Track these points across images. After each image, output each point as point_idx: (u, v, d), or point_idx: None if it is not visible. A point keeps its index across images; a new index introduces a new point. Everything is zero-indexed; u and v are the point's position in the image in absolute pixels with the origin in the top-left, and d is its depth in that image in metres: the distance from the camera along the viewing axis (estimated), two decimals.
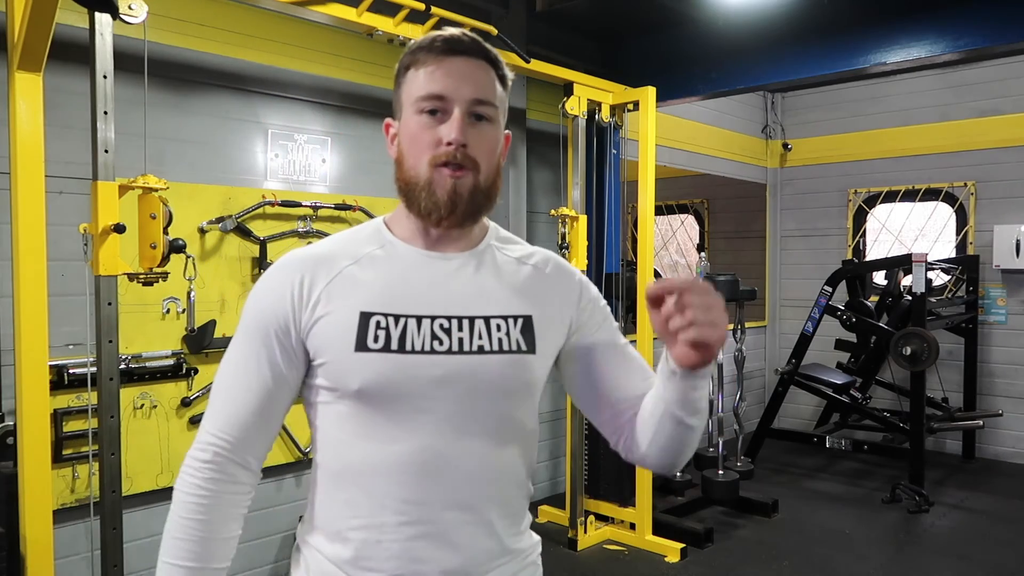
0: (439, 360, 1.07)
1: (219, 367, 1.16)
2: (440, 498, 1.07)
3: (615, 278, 4.52)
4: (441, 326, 1.08)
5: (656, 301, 1.00)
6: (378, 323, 1.06)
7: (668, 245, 7.86)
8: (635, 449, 1.17)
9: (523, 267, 1.18)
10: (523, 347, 1.11)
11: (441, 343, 1.07)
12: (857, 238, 6.55)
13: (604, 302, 1.26)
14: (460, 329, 1.08)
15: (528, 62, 3.81)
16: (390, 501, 1.06)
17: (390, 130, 1.16)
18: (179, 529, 1.13)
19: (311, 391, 1.14)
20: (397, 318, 1.07)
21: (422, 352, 1.06)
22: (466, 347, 1.08)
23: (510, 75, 1.17)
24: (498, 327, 1.11)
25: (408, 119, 1.10)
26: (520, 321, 1.12)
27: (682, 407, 1.11)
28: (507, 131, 1.18)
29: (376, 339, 1.06)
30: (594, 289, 1.25)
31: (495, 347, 1.10)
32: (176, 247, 2.38)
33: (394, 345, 1.06)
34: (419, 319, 1.07)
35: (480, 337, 1.09)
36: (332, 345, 1.07)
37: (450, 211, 1.08)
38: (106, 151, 2.24)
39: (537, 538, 1.22)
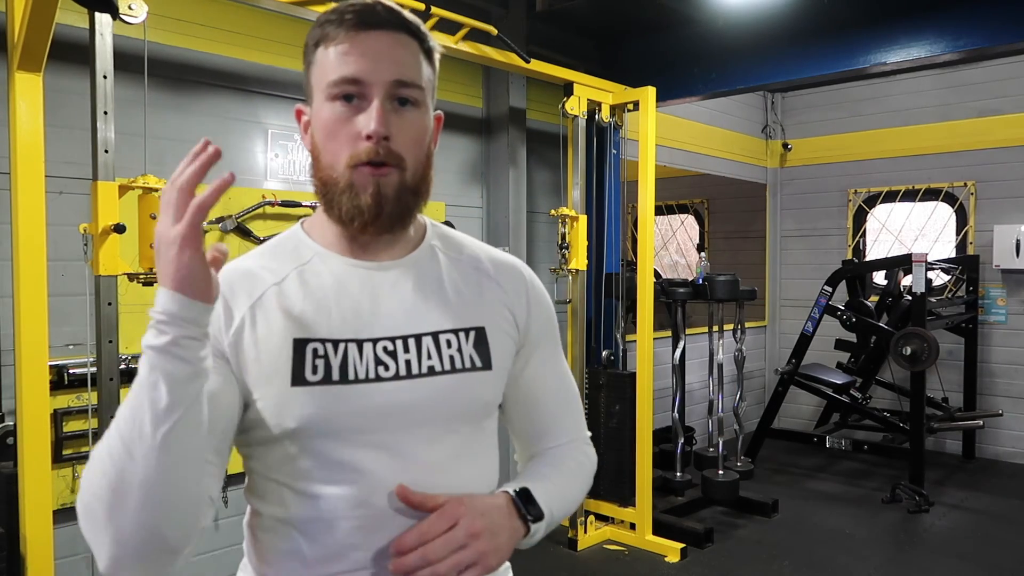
0: (386, 388, 0.94)
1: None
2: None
3: (615, 278, 4.52)
4: (385, 348, 0.95)
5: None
6: (315, 351, 0.92)
7: (668, 245, 7.86)
8: None
9: (470, 270, 1.05)
10: (478, 363, 1.00)
11: (387, 368, 0.94)
12: (857, 238, 6.55)
13: (553, 313, 1.14)
14: (407, 350, 0.96)
15: (528, 62, 3.81)
16: (339, 548, 0.93)
17: (302, 118, 1.00)
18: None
19: (246, 437, 0.96)
20: (336, 344, 0.93)
21: (366, 380, 0.93)
22: (414, 370, 0.95)
23: (437, 48, 1.00)
24: (448, 343, 0.98)
25: (320, 108, 0.94)
26: (472, 334, 1.00)
27: None
28: (438, 112, 1.02)
29: (315, 370, 0.92)
30: (544, 294, 1.12)
31: (447, 366, 0.97)
32: None
33: (335, 375, 0.92)
34: (360, 343, 0.94)
35: (429, 357, 0.97)
36: (263, 379, 0.92)
37: (375, 216, 0.94)
38: (106, 151, 2.24)
39: (507, 565, 1.10)
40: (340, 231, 0.99)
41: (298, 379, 0.92)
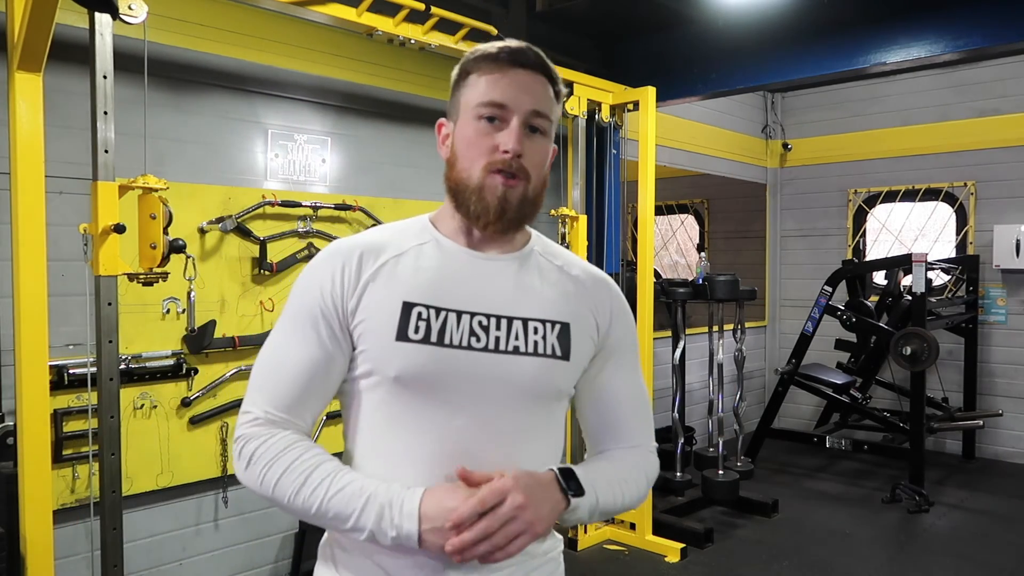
0: (474, 357, 1.08)
1: (261, 352, 1.15)
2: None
3: (615, 278, 4.51)
4: (480, 323, 1.10)
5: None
6: (419, 314, 1.09)
7: (668, 245, 7.86)
8: None
9: (564, 276, 1.20)
10: (558, 353, 1.13)
11: (478, 340, 1.09)
12: (857, 238, 6.55)
13: (634, 327, 1.29)
14: (498, 328, 1.10)
15: None
16: (416, 482, 1.07)
17: (442, 130, 1.19)
18: (290, 475, 1.07)
19: (350, 382, 1.14)
20: (438, 311, 1.09)
21: (459, 347, 1.08)
22: (502, 346, 1.10)
23: (564, 92, 1.22)
24: (535, 330, 1.12)
25: (466, 123, 1.12)
26: (558, 327, 1.14)
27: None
28: (554, 145, 1.21)
29: (417, 330, 1.08)
30: (627, 309, 1.27)
31: (530, 349, 1.11)
32: (176, 247, 2.38)
33: (433, 337, 1.08)
34: (459, 314, 1.10)
35: (516, 338, 1.11)
36: (374, 332, 1.09)
37: (498, 217, 1.11)
38: (106, 151, 2.24)
39: (559, 537, 1.23)
40: (459, 225, 1.16)
41: (402, 335, 1.08)
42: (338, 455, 1.15)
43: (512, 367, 1.10)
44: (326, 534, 1.22)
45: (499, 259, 1.16)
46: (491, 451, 1.09)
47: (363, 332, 1.10)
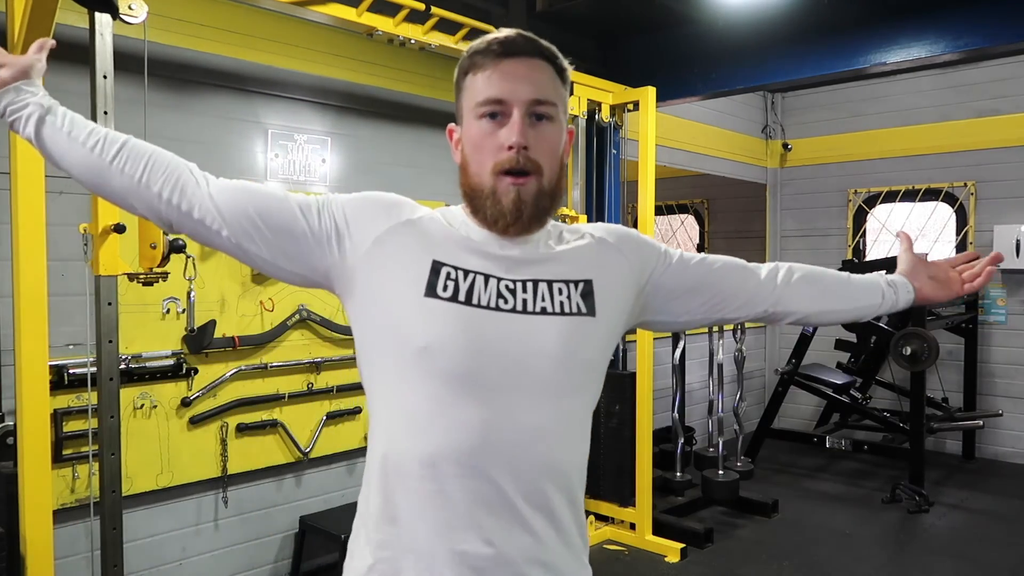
0: (503, 318, 1.07)
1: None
2: (500, 462, 1.06)
3: None
4: (506, 286, 1.09)
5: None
6: (448, 274, 1.08)
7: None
8: (795, 315, 1.34)
9: (582, 240, 1.20)
10: (583, 310, 1.12)
11: (506, 302, 1.08)
12: (857, 238, 6.55)
13: (660, 244, 1.29)
14: (524, 291, 1.10)
15: None
16: (452, 469, 1.05)
17: (453, 135, 1.17)
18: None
19: (371, 353, 1.13)
20: (466, 272, 1.09)
21: (488, 308, 1.07)
22: (529, 307, 1.09)
23: (568, 67, 1.16)
24: (559, 291, 1.12)
25: (469, 125, 1.12)
26: (581, 285, 1.14)
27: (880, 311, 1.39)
28: (570, 127, 1.18)
29: (445, 288, 1.07)
30: (648, 239, 1.28)
31: (556, 309, 1.10)
32: (176, 247, 2.38)
33: (462, 297, 1.07)
34: (486, 277, 1.09)
35: (543, 299, 1.10)
36: (400, 285, 1.08)
37: (516, 219, 1.10)
38: None
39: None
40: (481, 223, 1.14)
41: (431, 291, 1.07)
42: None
43: (541, 327, 1.09)
44: (358, 526, 1.17)
45: (523, 240, 1.15)
46: (528, 419, 1.07)
47: (384, 281, 1.09)
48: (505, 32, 1.12)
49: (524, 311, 1.09)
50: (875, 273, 1.41)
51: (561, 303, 1.11)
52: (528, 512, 1.06)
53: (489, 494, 1.05)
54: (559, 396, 1.10)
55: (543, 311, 1.09)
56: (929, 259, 1.43)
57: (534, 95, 1.09)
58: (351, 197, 1.15)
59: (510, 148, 1.07)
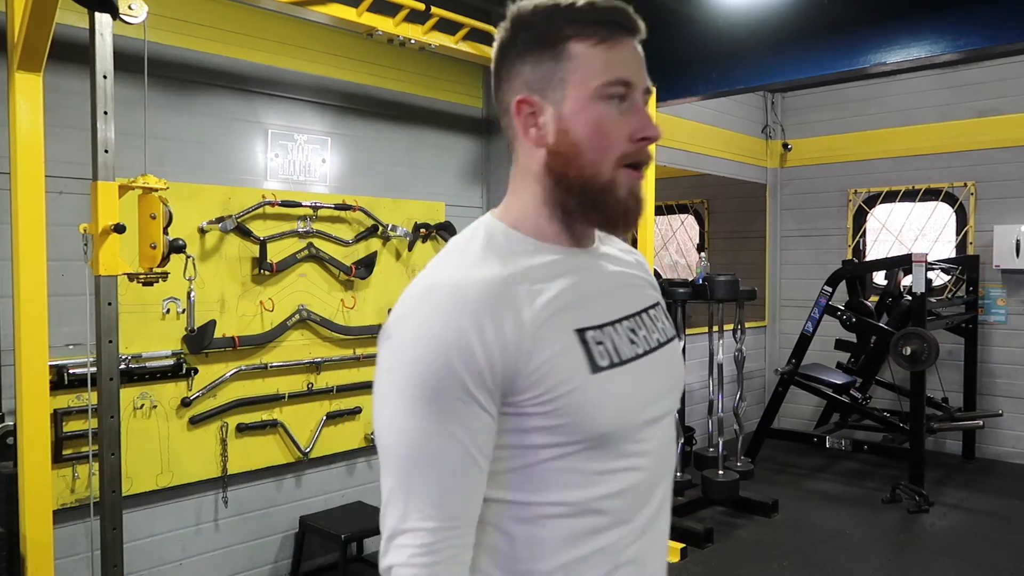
0: (644, 363, 0.97)
1: (386, 447, 0.87)
2: (650, 516, 0.98)
3: None
4: (629, 327, 0.98)
5: None
6: (593, 338, 0.92)
7: (668, 245, 7.86)
8: None
9: (624, 258, 1.08)
10: (672, 332, 1.06)
11: (637, 344, 0.97)
12: (857, 238, 6.54)
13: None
14: (641, 326, 1.00)
15: None
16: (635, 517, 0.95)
17: (528, 108, 0.95)
18: None
19: (533, 445, 0.90)
20: (601, 328, 0.94)
21: (633, 358, 0.95)
22: (651, 343, 1.00)
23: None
24: (653, 317, 1.03)
25: (585, 105, 0.92)
26: (660, 308, 1.07)
27: None
28: None
29: (602, 356, 0.91)
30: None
31: (663, 337, 1.03)
32: (176, 247, 2.38)
33: (615, 358, 0.93)
34: (613, 324, 0.95)
35: (654, 330, 1.02)
36: (561, 375, 0.88)
37: (637, 217, 0.97)
38: (106, 151, 2.24)
39: None
40: (559, 225, 0.97)
41: (596, 367, 0.91)
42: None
43: (667, 358, 1.01)
44: None
45: (595, 252, 1.01)
46: (663, 445, 0.99)
47: (543, 377, 0.87)
48: (612, 2, 0.95)
49: (651, 348, 0.99)
50: None
51: (663, 329, 1.04)
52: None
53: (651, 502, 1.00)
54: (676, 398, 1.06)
55: (658, 343, 1.01)
56: None
57: (647, 83, 0.97)
58: (455, 349, 0.85)
59: (645, 140, 0.94)
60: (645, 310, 1.02)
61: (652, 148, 1.02)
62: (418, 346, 0.85)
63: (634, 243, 5.40)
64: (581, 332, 0.91)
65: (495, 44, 0.98)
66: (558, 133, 0.94)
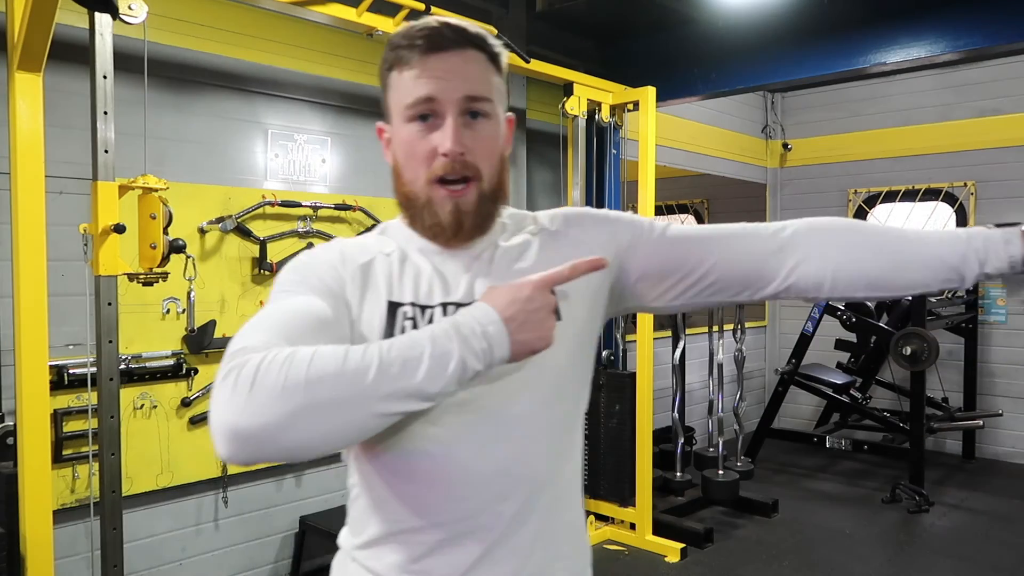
0: None
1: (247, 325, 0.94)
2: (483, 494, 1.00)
3: None
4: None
5: None
6: (405, 314, 1.00)
7: None
8: (837, 288, 1.10)
9: (535, 237, 1.09)
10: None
11: None
12: None
13: (625, 213, 1.16)
14: None
15: (528, 62, 3.81)
16: (431, 500, 1.00)
17: (383, 135, 1.08)
18: (322, 357, 0.82)
19: None
20: (423, 308, 1.01)
21: None
22: None
23: (503, 52, 1.05)
24: None
25: (400, 128, 1.02)
26: None
27: (968, 275, 1.05)
28: (509, 114, 1.08)
29: (403, 331, 0.98)
30: (606, 213, 1.15)
31: None
32: (176, 247, 2.38)
33: None
34: (443, 307, 1.01)
35: None
36: (360, 335, 0.99)
37: (456, 231, 1.02)
38: (106, 151, 2.24)
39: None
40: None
41: (388, 338, 0.95)
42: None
43: None
44: (339, 556, 1.10)
45: (472, 246, 1.06)
46: (503, 444, 1.00)
47: (355, 337, 0.99)
48: (430, 22, 1.01)
49: None
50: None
51: None
52: None
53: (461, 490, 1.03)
54: (531, 387, 1.03)
55: None
56: None
57: (468, 91, 0.98)
58: (305, 263, 1.02)
59: (444, 155, 0.98)
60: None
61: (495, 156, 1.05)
62: (295, 259, 1.03)
63: None
64: (393, 305, 1.00)
65: None
66: (394, 156, 1.05)
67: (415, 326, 0.98)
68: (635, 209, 4.47)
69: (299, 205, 3.47)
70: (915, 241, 1.08)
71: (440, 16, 1.04)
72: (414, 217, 1.04)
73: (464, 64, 1.00)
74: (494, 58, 1.03)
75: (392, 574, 1.01)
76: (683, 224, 1.15)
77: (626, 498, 4.27)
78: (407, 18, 3.27)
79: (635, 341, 4.32)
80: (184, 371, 3.13)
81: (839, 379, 5.58)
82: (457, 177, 1.00)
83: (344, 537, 1.11)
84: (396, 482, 1.01)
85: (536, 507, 1.02)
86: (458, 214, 1.01)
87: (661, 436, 5.04)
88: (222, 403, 0.83)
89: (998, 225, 1.05)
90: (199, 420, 3.19)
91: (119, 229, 2.23)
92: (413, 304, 1.01)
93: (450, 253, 1.06)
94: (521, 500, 1.01)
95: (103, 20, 2.23)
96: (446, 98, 0.98)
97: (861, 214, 6.52)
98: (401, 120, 1.01)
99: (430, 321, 0.99)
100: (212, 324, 3.17)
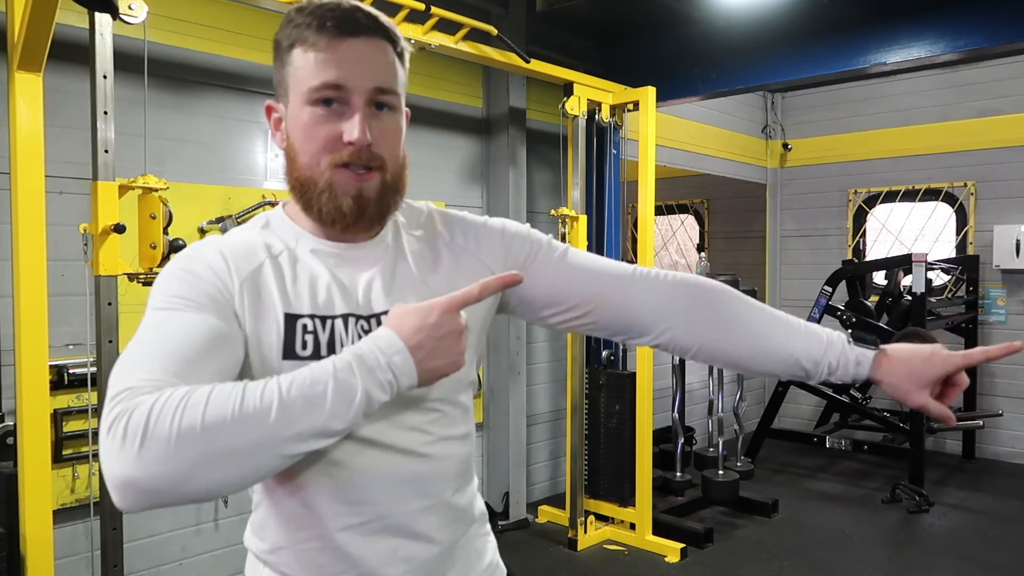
0: None
1: (136, 335, 0.90)
2: (383, 502, 0.99)
3: None
4: (362, 327, 0.98)
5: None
6: (305, 327, 0.95)
7: (668, 245, 7.86)
8: (702, 352, 1.14)
9: (430, 241, 1.08)
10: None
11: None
12: (857, 238, 6.55)
13: (521, 227, 1.15)
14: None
15: (528, 62, 3.81)
16: (334, 505, 0.98)
17: (272, 114, 1.04)
18: (217, 400, 0.77)
19: None
20: (324, 320, 0.96)
21: None
22: None
23: (408, 48, 1.04)
24: None
25: (299, 110, 0.97)
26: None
27: (815, 378, 1.13)
28: (407, 109, 1.07)
29: (304, 345, 0.95)
30: (500, 222, 1.14)
31: None
32: (176, 247, 2.38)
33: (323, 351, 0.95)
34: (344, 318, 0.97)
35: None
36: (256, 350, 0.94)
37: (357, 217, 0.97)
38: (106, 151, 2.24)
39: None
40: (314, 220, 1.01)
41: (289, 353, 0.94)
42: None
43: None
44: (250, 560, 1.08)
45: (366, 247, 1.03)
46: (405, 459, 0.99)
47: (248, 349, 0.94)
48: (344, 4, 0.96)
49: None
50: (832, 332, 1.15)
51: None
52: None
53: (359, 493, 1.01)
54: (433, 401, 1.03)
55: None
56: (936, 356, 1.15)
57: (377, 83, 0.96)
58: (186, 271, 0.94)
59: (349, 144, 0.95)
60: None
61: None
62: (176, 262, 0.96)
63: (633, 242, 5.40)
64: (291, 318, 0.95)
65: None
66: (286, 137, 1.01)
67: (316, 340, 0.95)
68: (635, 209, 4.47)
69: None
70: (779, 336, 1.14)
71: None
72: (309, 204, 0.98)
73: (374, 53, 0.97)
74: (400, 54, 1.02)
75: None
76: (581, 252, 1.16)
77: (626, 498, 4.26)
78: (407, 18, 3.27)
79: None
80: None
81: None
82: (364, 165, 0.97)
83: None
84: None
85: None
86: (360, 200, 0.97)
87: (661, 436, 5.04)
88: (112, 455, 0.75)
89: (857, 339, 1.13)
90: None
91: (119, 229, 2.23)
92: (312, 316, 0.96)
93: (344, 255, 1.01)
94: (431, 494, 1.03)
95: (103, 20, 2.23)
96: (355, 86, 0.95)
97: (861, 214, 6.52)
98: (301, 101, 0.97)
99: (331, 333, 0.96)
100: None
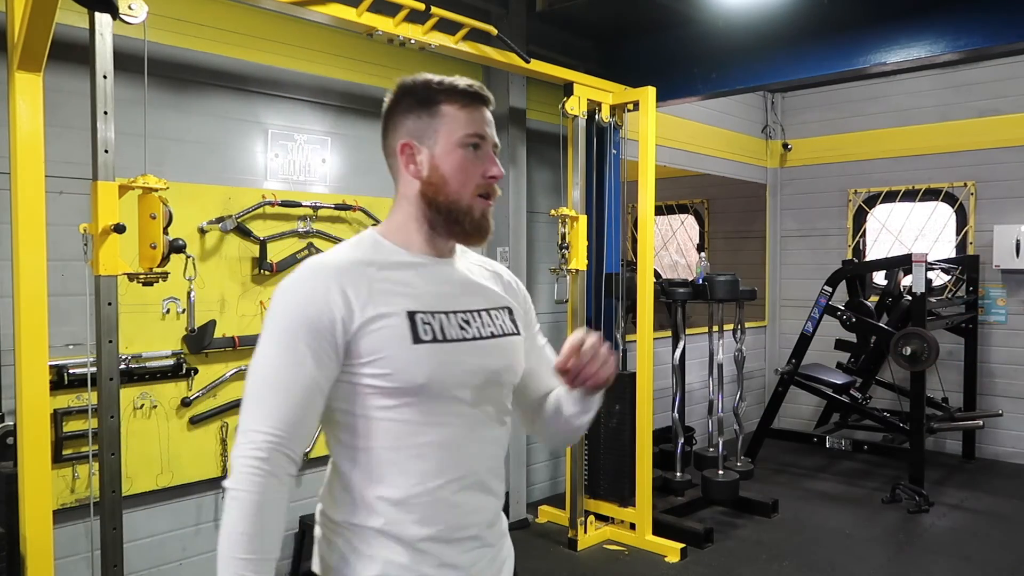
0: (469, 345, 1.26)
1: (253, 366, 1.19)
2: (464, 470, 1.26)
3: (615, 278, 4.52)
4: (462, 319, 1.28)
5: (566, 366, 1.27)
6: (422, 319, 1.23)
7: (668, 245, 7.86)
8: (542, 433, 1.49)
9: (484, 270, 1.41)
10: (515, 330, 1.37)
11: (467, 332, 1.27)
12: (857, 238, 6.55)
13: (529, 299, 1.51)
14: (476, 319, 1.30)
15: (528, 62, 3.81)
16: (430, 472, 1.23)
17: (409, 151, 1.29)
18: (244, 524, 1.16)
19: (351, 388, 1.22)
20: (434, 315, 1.25)
21: (458, 340, 1.25)
22: (483, 333, 1.30)
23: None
24: (494, 316, 1.34)
25: (452, 150, 1.27)
26: (506, 311, 1.37)
27: (582, 417, 1.39)
28: None
29: (426, 332, 1.22)
30: (523, 287, 1.51)
31: (500, 331, 1.33)
32: (176, 247, 2.38)
33: (439, 336, 1.24)
34: (446, 314, 1.26)
35: (490, 324, 1.32)
36: (389, 342, 1.20)
37: (486, 234, 1.31)
38: (106, 151, 2.24)
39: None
40: (428, 237, 1.30)
41: (416, 339, 1.21)
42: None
43: (496, 347, 1.30)
44: (321, 532, 1.42)
45: (449, 262, 1.34)
46: (483, 434, 1.29)
47: (375, 343, 1.20)
48: (476, 83, 1.34)
49: (482, 337, 1.29)
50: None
51: (501, 325, 1.34)
52: None
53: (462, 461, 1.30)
54: (504, 383, 1.34)
55: (492, 335, 1.31)
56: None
57: (495, 139, 1.33)
58: (298, 304, 1.20)
59: (492, 178, 1.29)
60: (486, 310, 1.33)
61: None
62: (287, 296, 1.21)
63: (633, 242, 5.40)
64: (412, 313, 1.23)
65: (384, 104, 1.34)
66: (431, 169, 1.28)
67: (431, 329, 1.23)
68: (635, 209, 4.47)
69: (299, 205, 3.47)
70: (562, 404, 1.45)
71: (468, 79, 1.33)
72: (452, 220, 1.27)
73: (491, 118, 1.34)
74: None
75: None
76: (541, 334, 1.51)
77: (626, 498, 4.27)
78: (407, 18, 3.27)
79: (635, 341, 4.32)
80: (184, 371, 3.13)
81: (839, 379, 5.58)
82: (491, 193, 1.30)
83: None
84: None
85: None
86: (487, 221, 1.31)
87: (661, 436, 5.04)
88: (244, 465, 1.17)
89: None
90: (199, 420, 3.19)
91: (119, 229, 2.23)
92: (426, 312, 1.24)
93: (433, 267, 1.31)
94: None
95: (103, 20, 2.23)
96: (489, 139, 1.31)
97: (861, 214, 6.52)
98: (454, 144, 1.27)
99: (440, 323, 1.25)
100: (212, 324, 3.17)
